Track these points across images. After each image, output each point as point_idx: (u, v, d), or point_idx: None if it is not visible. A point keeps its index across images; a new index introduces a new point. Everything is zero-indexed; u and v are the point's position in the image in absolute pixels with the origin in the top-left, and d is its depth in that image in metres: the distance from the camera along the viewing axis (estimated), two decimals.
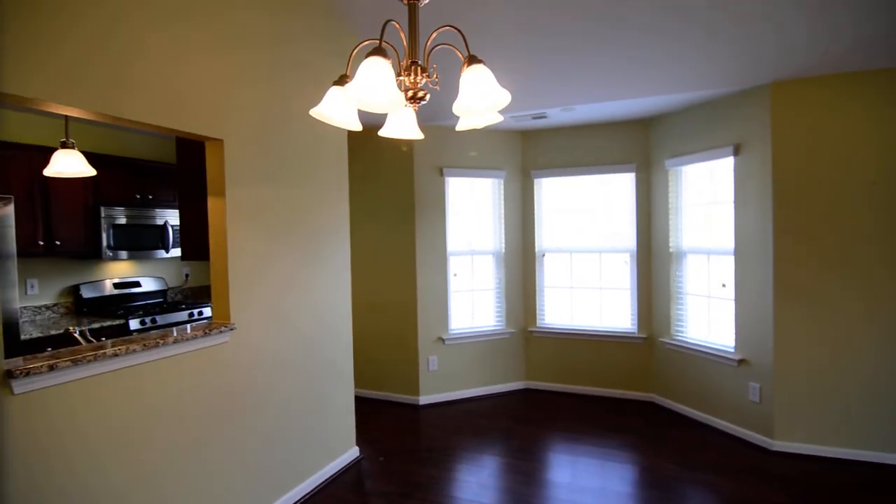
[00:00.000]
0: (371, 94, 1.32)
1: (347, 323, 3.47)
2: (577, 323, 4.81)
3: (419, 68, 1.48)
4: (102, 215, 4.16)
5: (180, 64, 2.29)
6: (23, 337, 3.41)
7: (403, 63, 1.48)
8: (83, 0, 1.90)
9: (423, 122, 4.36)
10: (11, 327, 3.29)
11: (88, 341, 2.31)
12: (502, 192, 4.85)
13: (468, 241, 4.79)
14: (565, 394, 4.80)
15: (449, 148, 4.61)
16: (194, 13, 2.36)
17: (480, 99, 1.41)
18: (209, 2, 2.44)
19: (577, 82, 3.70)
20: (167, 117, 2.24)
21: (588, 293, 4.78)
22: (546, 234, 4.90)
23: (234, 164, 2.59)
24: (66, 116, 2.46)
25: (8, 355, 1.89)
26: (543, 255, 4.89)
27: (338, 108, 1.52)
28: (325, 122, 1.55)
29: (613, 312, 4.71)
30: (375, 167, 4.65)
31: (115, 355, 2.02)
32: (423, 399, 4.57)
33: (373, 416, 4.33)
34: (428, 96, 1.52)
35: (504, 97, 1.39)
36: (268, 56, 2.79)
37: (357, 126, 1.60)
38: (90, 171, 2.67)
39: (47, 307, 4.11)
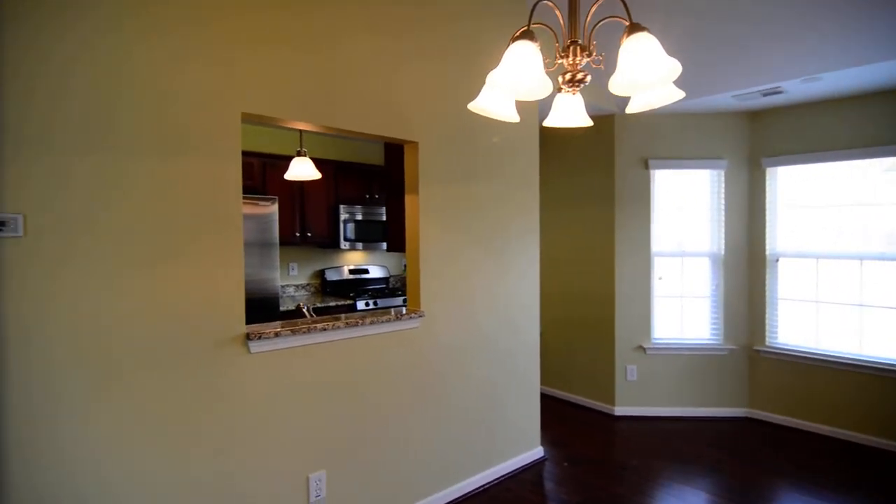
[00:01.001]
0: (516, 79, 1.28)
1: (534, 321, 3.44)
2: (824, 346, 3.85)
3: (578, 48, 1.37)
4: (341, 212, 4.96)
5: (381, 77, 2.57)
6: (281, 308, 4.29)
7: (561, 44, 1.39)
8: (309, 41, 2.29)
9: (624, 111, 4.05)
10: (273, 301, 4.18)
11: (311, 316, 2.78)
12: (723, 184, 4.17)
13: (677, 241, 4.27)
14: (802, 432, 3.90)
15: (656, 137, 4.17)
16: (391, 29, 2.63)
17: (643, 72, 1.23)
18: (404, 18, 2.68)
19: (831, 37, 2.93)
20: (371, 125, 2.55)
21: (842, 310, 3.79)
22: (781, 235, 4.04)
23: (427, 164, 2.80)
24: (300, 130, 3.03)
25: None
26: (777, 260, 4.05)
27: (494, 101, 1.51)
28: (485, 115, 1.56)
29: (881, 338, 3.63)
30: (572, 158, 4.50)
31: (324, 329, 2.38)
32: (619, 410, 4.25)
33: (560, 418, 4.21)
34: (589, 78, 1.39)
35: (671, 68, 1.19)
36: (458, 57, 2.93)
37: (515, 118, 1.56)
38: (317, 175, 3.23)
39: (301, 286, 5.09)
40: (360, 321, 2.52)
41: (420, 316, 2.76)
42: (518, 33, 1.29)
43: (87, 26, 1.74)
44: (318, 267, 5.23)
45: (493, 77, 1.29)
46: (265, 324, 2.38)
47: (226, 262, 2.07)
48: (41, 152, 1.66)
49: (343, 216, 4.97)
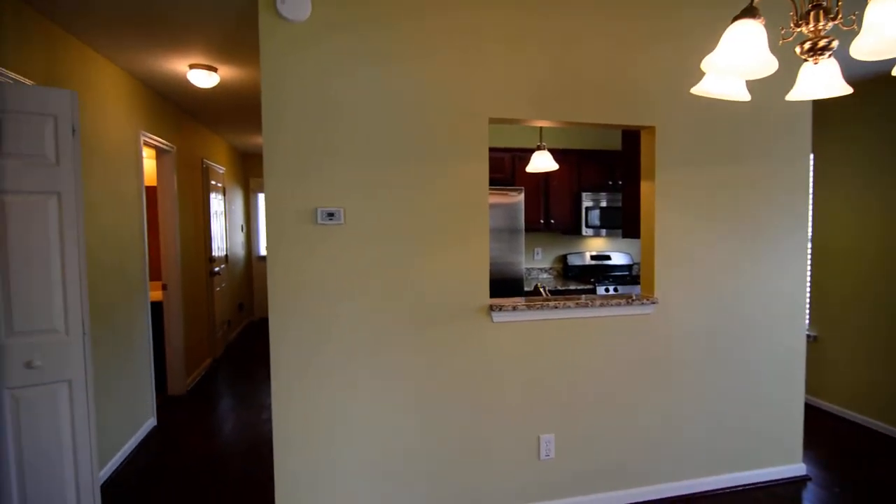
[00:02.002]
0: (734, 60, 1.26)
1: (799, 319, 2.99)
2: None
3: (821, 12, 1.25)
4: (584, 200, 5.09)
5: (614, 65, 2.63)
6: (525, 289, 4.69)
7: (799, 11, 1.29)
8: (541, 41, 2.52)
9: None
10: (518, 281, 4.60)
11: (546, 295, 3.04)
12: None
13: None
14: None
15: None
16: (623, 16, 2.64)
17: None
18: (636, 4, 2.66)
19: None
20: (606, 115, 2.64)
21: None
22: None
23: (665, 148, 2.73)
24: (540, 127, 3.26)
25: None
26: None
27: (718, 83, 1.48)
28: (712, 97, 1.54)
29: None
30: (866, 124, 3.63)
31: (555, 307, 2.62)
32: None
33: (835, 438, 3.53)
34: (835, 44, 1.27)
35: None
36: (694, 37, 2.74)
37: (746, 96, 1.50)
38: (554, 167, 3.44)
39: (545, 269, 5.42)
40: (590, 303, 2.66)
41: (653, 303, 2.74)
42: (740, 12, 1.26)
43: (388, 72, 2.33)
44: (561, 252, 5.47)
45: (709, 61, 1.30)
46: (505, 298, 2.74)
47: (477, 246, 2.48)
48: (356, 164, 2.31)
49: (586, 203, 5.08)
